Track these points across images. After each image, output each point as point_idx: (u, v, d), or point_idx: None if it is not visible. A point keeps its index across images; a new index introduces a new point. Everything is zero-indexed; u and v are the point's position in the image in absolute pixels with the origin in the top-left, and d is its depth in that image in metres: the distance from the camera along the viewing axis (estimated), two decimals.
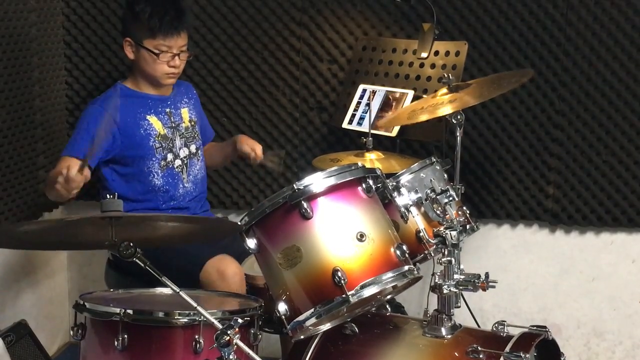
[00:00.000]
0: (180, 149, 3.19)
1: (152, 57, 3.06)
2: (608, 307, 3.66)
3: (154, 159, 3.12)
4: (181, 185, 3.19)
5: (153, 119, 3.15)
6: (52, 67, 3.63)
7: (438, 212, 2.69)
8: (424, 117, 2.98)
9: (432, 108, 2.99)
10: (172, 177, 3.16)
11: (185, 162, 3.20)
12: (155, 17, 3.04)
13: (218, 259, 2.93)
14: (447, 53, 3.38)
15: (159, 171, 3.13)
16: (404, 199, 2.67)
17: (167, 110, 3.19)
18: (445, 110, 2.95)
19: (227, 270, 2.90)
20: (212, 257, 2.94)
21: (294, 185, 2.34)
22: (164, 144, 3.15)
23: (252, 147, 3.23)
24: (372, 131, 3.11)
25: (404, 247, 2.42)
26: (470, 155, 3.58)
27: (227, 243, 2.91)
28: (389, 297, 2.65)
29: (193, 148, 3.24)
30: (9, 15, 3.26)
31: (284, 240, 2.35)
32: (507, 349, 2.36)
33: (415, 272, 2.43)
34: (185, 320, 2.32)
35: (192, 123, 3.27)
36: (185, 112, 3.25)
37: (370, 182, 2.45)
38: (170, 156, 3.16)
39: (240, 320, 2.12)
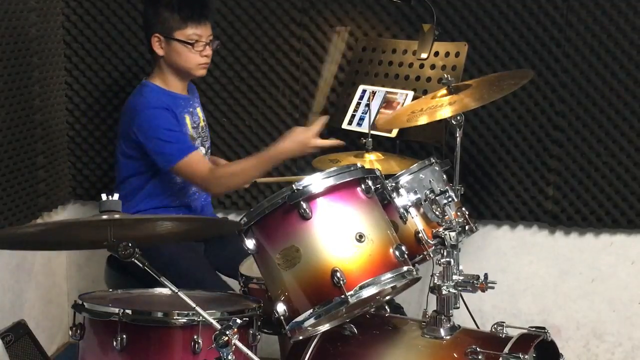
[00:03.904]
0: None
1: (187, 48, 3.03)
2: (607, 309, 3.66)
3: None
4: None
5: (187, 119, 3.13)
6: (52, 67, 3.63)
7: (437, 213, 2.68)
8: (423, 120, 2.98)
9: (432, 110, 2.99)
10: None
11: None
12: (185, 7, 3.02)
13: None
14: (447, 54, 3.38)
15: None
16: (403, 199, 2.68)
17: (191, 109, 3.17)
18: (445, 113, 2.95)
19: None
20: None
21: (293, 185, 2.34)
22: None
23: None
24: (372, 132, 3.11)
25: (403, 248, 2.41)
26: (469, 156, 3.58)
27: (225, 243, 2.91)
28: (387, 297, 2.65)
29: (205, 148, 3.22)
30: (9, 15, 3.26)
31: (282, 240, 2.35)
32: (506, 350, 2.36)
33: (415, 272, 2.43)
34: (184, 320, 2.31)
35: (205, 122, 3.26)
36: (199, 112, 3.24)
37: (370, 182, 2.44)
38: None
39: (238, 321, 2.11)
